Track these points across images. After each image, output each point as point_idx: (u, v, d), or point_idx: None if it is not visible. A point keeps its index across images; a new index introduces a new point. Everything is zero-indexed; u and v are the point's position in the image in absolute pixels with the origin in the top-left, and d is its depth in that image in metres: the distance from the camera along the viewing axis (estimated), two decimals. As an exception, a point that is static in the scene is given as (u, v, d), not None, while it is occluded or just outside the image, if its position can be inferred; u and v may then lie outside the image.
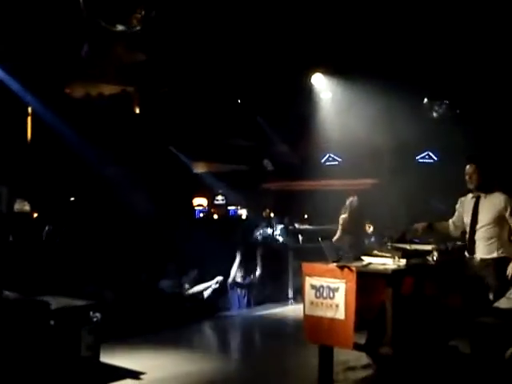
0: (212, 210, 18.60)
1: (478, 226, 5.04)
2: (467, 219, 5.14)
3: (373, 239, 9.36)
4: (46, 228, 8.69)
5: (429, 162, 14.92)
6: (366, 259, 4.92)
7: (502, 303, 4.18)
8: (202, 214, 18.22)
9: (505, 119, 11.47)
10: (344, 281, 4.64)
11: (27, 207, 8.54)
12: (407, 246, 5.22)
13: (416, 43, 9.82)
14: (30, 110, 13.07)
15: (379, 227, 9.00)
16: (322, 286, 4.77)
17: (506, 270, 4.79)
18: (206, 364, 5.69)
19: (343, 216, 8.28)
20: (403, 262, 4.77)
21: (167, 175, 15.30)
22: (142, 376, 5.21)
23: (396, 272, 4.67)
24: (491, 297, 4.62)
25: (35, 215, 10.64)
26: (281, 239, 11.85)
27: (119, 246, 8.74)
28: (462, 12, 8.79)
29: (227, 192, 18.94)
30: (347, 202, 8.35)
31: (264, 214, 13.95)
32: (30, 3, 8.78)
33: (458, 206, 5.37)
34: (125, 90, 14.59)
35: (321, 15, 9.16)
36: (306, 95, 13.31)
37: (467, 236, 5.13)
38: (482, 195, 5.10)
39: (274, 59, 10.94)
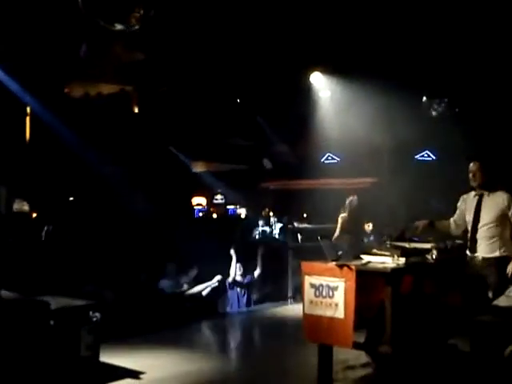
0: (211, 210, 18.62)
1: (480, 225, 5.01)
2: (469, 217, 5.11)
3: (371, 238, 9.37)
4: (45, 228, 8.68)
5: (428, 161, 14.93)
6: (366, 258, 4.92)
7: (502, 301, 4.18)
8: (201, 214, 18.23)
9: (504, 118, 11.48)
10: (343, 280, 4.64)
11: (26, 207, 8.53)
12: (406, 245, 5.21)
13: (415, 42, 9.81)
14: (28, 109, 13.06)
15: (378, 226, 9.01)
16: (322, 285, 4.77)
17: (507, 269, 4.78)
18: (205, 363, 5.69)
19: (343, 215, 8.29)
20: (402, 260, 4.77)
21: (166, 175, 15.30)
22: (141, 376, 5.21)
23: (395, 270, 4.67)
24: (490, 295, 4.62)
25: (34, 215, 10.63)
26: (279, 238, 11.88)
27: (118, 246, 8.74)
28: (460, 11, 8.79)
29: (226, 191, 18.96)
30: (347, 202, 8.36)
31: (263, 213, 13.97)
32: (29, 3, 8.77)
33: (459, 204, 5.33)
34: (123, 89, 14.60)
35: (320, 14, 9.16)
36: (305, 94, 13.31)
37: (469, 234, 5.10)
38: (485, 193, 5.06)
39: (273, 58, 10.94)
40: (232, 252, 9.21)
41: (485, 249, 4.98)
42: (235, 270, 9.12)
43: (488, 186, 5.07)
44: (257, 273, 9.50)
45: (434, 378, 4.86)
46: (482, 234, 5.00)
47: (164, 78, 13.20)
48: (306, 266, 4.98)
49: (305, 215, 13.86)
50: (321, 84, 13.26)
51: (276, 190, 17.35)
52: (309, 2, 8.88)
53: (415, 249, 5.19)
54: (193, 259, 9.05)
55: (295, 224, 11.13)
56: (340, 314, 4.63)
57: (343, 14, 9.22)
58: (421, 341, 5.06)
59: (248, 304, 8.92)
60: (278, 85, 12.63)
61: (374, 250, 4.98)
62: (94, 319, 5.14)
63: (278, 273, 9.55)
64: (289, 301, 8.98)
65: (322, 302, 4.76)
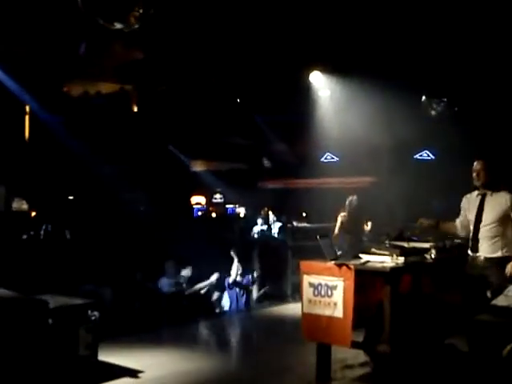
0: (210, 209, 18.62)
1: (482, 225, 4.98)
2: (471, 217, 5.08)
3: (364, 238, 9.34)
4: (44, 227, 8.69)
5: (427, 160, 14.94)
6: (364, 257, 4.92)
7: (500, 301, 4.17)
8: (200, 213, 18.23)
9: (503, 117, 11.48)
10: (342, 279, 4.64)
11: (25, 206, 8.54)
12: (405, 244, 5.21)
13: (414, 41, 9.81)
14: (27, 108, 13.05)
15: (377, 225, 9.00)
16: (320, 284, 4.77)
17: None
18: (204, 362, 5.69)
19: (342, 214, 8.30)
20: (401, 259, 4.78)
21: (165, 173, 15.30)
22: (140, 374, 5.21)
23: (394, 270, 4.67)
24: (489, 294, 4.61)
25: (33, 214, 10.63)
26: (278, 236, 11.87)
27: (116, 245, 8.73)
28: (460, 10, 8.79)
29: (225, 190, 18.96)
30: (347, 202, 8.36)
31: (262, 212, 13.97)
32: (28, 2, 8.76)
33: (462, 204, 5.27)
34: (123, 88, 14.59)
35: (319, 13, 9.15)
36: (305, 93, 13.30)
37: (471, 234, 5.08)
38: (488, 193, 5.02)
39: (272, 57, 10.93)
40: (232, 253, 9.21)
41: (487, 249, 4.95)
42: (236, 271, 9.11)
43: (491, 185, 5.03)
44: (255, 273, 9.50)
45: (432, 377, 4.87)
46: (484, 233, 4.97)
47: (163, 77, 13.20)
48: (304, 265, 4.99)
49: (304, 214, 13.86)
50: (320, 83, 13.25)
51: (275, 189, 17.35)
52: (308, 1, 8.87)
53: (414, 248, 5.19)
54: (191, 258, 9.05)
55: (294, 223, 11.13)
56: (339, 313, 4.64)
57: (343, 13, 9.22)
58: (419, 340, 5.06)
59: (247, 304, 8.91)
60: (278, 84, 12.63)
61: (373, 250, 4.98)
62: (93, 318, 5.14)
63: (277, 272, 9.55)
64: (288, 300, 8.99)
65: (320, 301, 4.76)
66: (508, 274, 4.77)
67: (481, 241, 4.96)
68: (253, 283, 9.39)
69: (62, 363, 4.80)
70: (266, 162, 18.49)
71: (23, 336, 4.51)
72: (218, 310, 8.58)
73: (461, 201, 5.33)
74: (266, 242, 11.15)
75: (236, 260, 9.21)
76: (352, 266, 4.65)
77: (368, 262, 4.86)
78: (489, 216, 4.96)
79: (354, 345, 4.82)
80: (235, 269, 9.13)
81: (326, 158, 16.63)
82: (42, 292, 5.15)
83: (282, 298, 9.05)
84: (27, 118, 13.19)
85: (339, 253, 5.06)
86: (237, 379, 5.24)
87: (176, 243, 9.13)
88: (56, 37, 9.87)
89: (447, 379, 4.79)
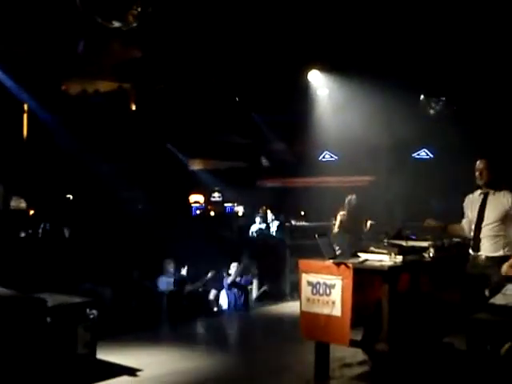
0: (208, 207, 18.61)
1: (483, 224, 4.96)
2: (473, 216, 5.07)
3: (363, 237, 9.32)
4: (42, 225, 8.68)
5: (425, 159, 14.95)
6: (363, 256, 4.92)
7: (498, 299, 4.17)
8: (198, 211, 18.22)
9: (502, 116, 11.48)
10: (340, 277, 4.64)
11: (23, 204, 8.53)
12: (404, 243, 5.22)
13: (413, 40, 9.81)
14: (26, 107, 13.03)
15: (376, 224, 8.99)
16: (319, 283, 4.78)
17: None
18: (203, 361, 5.69)
19: (342, 213, 8.31)
20: (400, 258, 4.78)
21: (163, 172, 15.30)
22: (138, 373, 5.21)
23: (392, 268, 4.67)
24: (487, 293, 4.61)
25: (31, 212, 10.62)
26: (276, 235, 11.88)
27: (114, 243, 8.73)
28: (458, 9, 8.79)
29: (224, 189, 18.96)
30: (346, 201, 8.36)
31: (261, 210, 13.97)
32: (26, 0, 8.75)
33: (465, 204, 5.24)
34: (121, 86, 14.58)
35: (318, 12, 9.15)
36: (303, 92, 13.30)
37: (472, 233, 5.07)
38: (491, 192, 5.00)
39: (271, 56, 10.93)
40: (243, 256, 9.23)
41: (488, 248, 4.94)
42: (236, 272, 9.10)
43: (494, 184, 5.00)
44: (255, 272, 9.50)
45: (430, 375, 4.87)
46: (485, 232, 4.95)
47: (162, 75, 13.18)
48: (303, 263, 4.99)
49: (302, 213, 13.87)
50: (319, 82, 13.25)
51: (274, 188, 17.36)
52: (307, 0, 8.87)
53: (412, 247, 5.19)
54: (190, 256, 9.05)
55: (292, 222, 11.13)
56: (337, 311, 4.64)
57: (341, 12, 9.21)
58: (417, 339, 5.07)
59: (246, 304, 8.89)
60: (276, 82, 12.62)
61: (372, 248, 4.98)
62: (91, 317, 5.13)
63: (275, 271, 9.55)
64: (286, 298, 8.99)
65: (319, 300, 4.77)
66: (503, 273, 4.77)
67: (482, 240, 4.95)
68: (251, 282, 9.39)
69: (60, 361, 4.80)
70: (265, 161, 18.48)
71: (22, 334, 4.51)
72: (216, 309, 8.57)
73: (462, 200, 5.32)
74: (265, 241, 11.16)
75: (238, 263, 9.23)
76: (350, 265, 4.65)
77: (366, 260, 4.86)
78: (491, 215, 4.94)
79: (353, 343, 4.83)
80: (235, 269, 9.12)
81: (324, 157, 16.63)
82: (40, 290, 5.14)
83: (280, 297, 9.06)
84: (25, 116, 13.16)
85: (339, 252, 5.05)
86: (235, 378, 5.24)
87: (174, 242, 9.12)
88: (54, 35, 9.85)
89: (445, 378, 4.80)
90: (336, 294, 4.66)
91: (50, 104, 12.70)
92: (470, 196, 5.21)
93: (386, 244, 5.13)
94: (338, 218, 8.20)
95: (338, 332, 4.67)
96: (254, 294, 9.41)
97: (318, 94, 13.65)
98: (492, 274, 4.78)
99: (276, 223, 12.97)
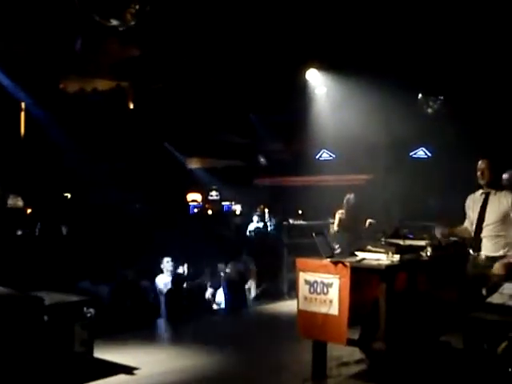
0: (206, 206, 18.61)
1: (484, 224, 4.95)
2: (474, 216, 5.06)
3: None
4: (39, 224, 8.67)
5: (423, 158, 14.97)
6: (360, 255, 4.92)
7: (495, 298, 4.18)
8: (196, 210, 18.22)
9: (500, 115, 11.49)
10: (338, 276, 4.64)
11: (20, 203, 8.52)
12: (401, 242, 5.22)
13: (411, 39, 9.82)
14: (23, 105, 13.02)
15: (375, 223, 8.99)
16: (316, 282, 4.78)
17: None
18: (200, 359, 5.69)
19: (340, 211, 8.32)
20: (397, 257, 4.78)
21: (161, 171, 15.30)
22: (135, 371, 5.21)
23: (390, 267, 4.67)
24: (484, 292, 4.62)
25: (29, 211, 10.61)
26: (270, 231, 11.89)
27: (111, 242, 8.73)
28: (457, 8, 8.79)
29: (221, 188, 18.97)
30: (344, 200, 8.37)
31: (258, 209, 13.98)
32: (23, -2, 8.74)
33: (467, 204, 5.23)
34: (119, 85, 14.57)
35: (315, 11, 9.15)
36: (301, 91, 13.30)
37: (473, 233, 5.05)
38: (492, 192, 5.00)
39: (268, 54, 10.92)
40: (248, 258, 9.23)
41: (489, 248, 4.93)
42: (233, 270, 9.10)
43: (495, 184, 5.00)
44: (253, 271, 9.51)
45: (427, 374, 4.88)
46: (486, 232, 4.94)
47: (160, 74, 13.18)
48: (300, 262, 4.99)
49: (300, 212, 13.87)
50: (316, 81, 13.25)
51: (271, 187, 17.37)
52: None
53: (410, 246, 5.20)
54: (187, 255, 9.05)
55: (290, 220, 11.13)
56: (334, 310, 4.64)
57: (339, 11, 9.21)
58: (415, 337, 5.08)
59: (243, 302, 8.90)
60: (274, 81, 12.62)
61: (369, 247, 4.98)
62: (88, 315, 5.13)
63: (273, 269, 9.56)
64: (284, 297, 8.99)
65: (316, 299, 4.77)
66: (495, 271, 4.78)
67: (483, 240, 4.94)
68: (249, 281, 9.39)
69: (57, 360, 4.79)
70: (262, 160, 18.49)
71: (19, 333, 4.50)
72: (214, 307, 8.57)
73: (460, 199, 5.32)
74: (262, 240, 11.16)
75: (237, 260, 9.23)
76: (348, 264, 4.65)
77: (364, 259, 4.86)
78: (491, 215, 4.93)
79: (350, 342, 4.83)
80: (233, 266, 9.13)
81: (321, 156, 16.64)
82: (37, 289, 5.14)
83: (278, 296, 9.06)
84: (23, 114, 13.15)
85: (338, 251, 5.06)
86: (232, 376, 5.24)
87: (172, 240, 9.13)
88: (52, 33, 9.84)
89: (442, 376, 4.81)
90: (333, 293, 4.66)
91: (48, 102, 12.69)
92: (472, 196, 5.19)
93: (383, 243, 5.13)
94: (337, 216, 8.21)
95: (335, 331, 4.67)
96: (252, 292, 9.42)
97: (316, 93, 13.65)
98: (491, 274, 4.77)
99: (273, 221, 12.99)
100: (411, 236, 5.58)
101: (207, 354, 5.86)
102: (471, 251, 5.03)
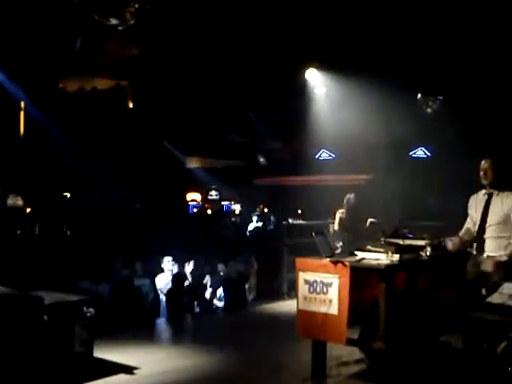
0: (206, 205, 18.62)
1: (487, 224, 4.93)
2: (477, 216, 5.03)
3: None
4: (38, 224, 8.67)
5: (423, 158, 14.98)
6: (360, 254, 4.92)
7: (495, 298, 4.18)
8: (195, 209, 18.23)
9: (500, 115, 11.49)
10: (337, 276, 4.64)
11: (20, 202, 8.51)
12: (400, 242, 5.22)
13: (410, 39, 9.82)
14: (22, 104, 13.01)
15: (376, 222, 8.99)
16: (316, 281, 4.78)
17: None
18: (200, 359, 5.69)
19: (341, 211, 8.33)
20: (396, 257, 4.78)
21: (160, 170, 15.29)
22: (135, 371, 5.21)
23: (389, 267, 4.67)
24: (484, 292, 4.62)
25: (28, 210, 10.59)
26: (269, 227, 11.90)
27: (111, 242, 8.73)
28: (456, 8, 8.79)
29: (221, 187, 18.97)
30: (344, 200, 8.37)
31: (258, 209, 13.99)
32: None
33: (470, 204, 5.19)
34: (118, 84, 14.56)
35: (315, 10, 9.15)
36: (301, 90, 13.30)
37: (475, 233, 5.03)
38: (495, 193, 4.97)
39: (268, 54, 10.92)
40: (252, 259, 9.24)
41: (492, 248, 4.93)
42: (233, 269, 9.11)
43: (498, 184, 4.96)
44: (253, 269, 9.52)
45: (427, 374, 4.88)
46: (489, 233, 4.92)
47: (159, 73, 13.17)
48: (300, 262, 4.99)
49: (299, 211, 13.88)
50: (316, 80, 13.25)
51: (271, 186, 17.37)
52: (304, -1, 8.87)
53: (409, 245, 5.19)
54: (187, 254, 9.06)
55: (290, 220, 11.14)
56: (334, 310, 4.64)
57: (339, 11, 9.21)
58: (414, 337, 5.08)
59: (243, 302, 8.90)
60: (273, 81, 12.62)
61: (369, 247, 4.98)
62: (88, 315, 5.13)
63: (273, 269, 9.56)
64: (284, 297, 8.99)
65: (316, 299, 4.77)
66: (487, 268, 4.79)
67: (486, 240, 4.93)
68: (249, 280, 9.40)
69: (57, 360, 4.79)
70: (262, 160, 18.49)
71: (18, 332, 4.50)
72: (213, 307, 8.58)
73: (459, 199, 5.30)
74: (262, 240, 11.16)
75: (237, 258, 9.23)
76: (347, 263, 4.65)
77: (363, 259, 4.86)
78: (494, 216, 4.91)
79: (350, 342, 4.83)
80: (232, 265, 9.14)
81: (321, 156, 16.65)
82: (37, 288, 5.13)
83: (277, 295, 9.05)
84: (22, 114, 13.14)
85: (339, 250, 5.05)
86: (232, 376, 5.24)
87: (172, 240, 9.13)
88: (52, 33, 9.83)
89: (442, 376, 4.81)
90: (333, 293, 4.66)
91: (48, 101, 12.69)
92: (475, 196, 5.16)
93: (382, 242, 5.13)
94: (337, 215, 8.22)
95: (334, 330, 4.67)
96: (252, 292, 9.42)
97: (316, 93, 13.65)
98: (492, 274, 4.77)
99: (273, 221, 12.99)
100: (411, 236, 5.57)
101: (207, 353, 5.86)
102: (474, 251, 5.02)
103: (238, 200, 18.56)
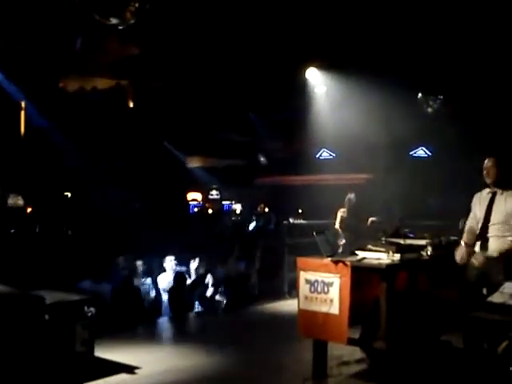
0: (206, 205, 18.63)
1: (490, 223, 4.93)
2: (480, 215, 5.01)
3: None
4: (38, 224, 8.67)
5: (423, 157, 14.99)
6: (361, 254, 4.93)
7: (496, 298, 4.18)
8: (196, 209, 18.24)
9: (500, 114, 11.50)
10: (338, 275, 4.65)
11: (21, 202, 8.51)
12: (401, 241, 5.22)
13: (411, 38, 9.82)
14: (23, 104, 13.01)
15: (377, 221, 9.00)
16: (317, 281, 4.78)
17: None
18: (201, 358, 5.69)
19: (342, 210, 8.33)
20: (397, 256, 4.78)
21: (161, 170, 15.30)
22: (136, 370, 5.21)
23: (390, 267, 4.67)
24: (485, 291, 4.62)
25: (29, 210, 10.60)
26: (274, 232, 11.90)
27: (111, 241, 8.72)
28: (457, 7, 8.79)
29: (222, 187, 18.98)
30: (346, 199, 8.38)
31: (258, 208, 13.99)
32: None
33: (473, 202, 5.16)
34: (119, 83, 14.56)
35: (315, 10, 9.15)
36: (301, 90, 13.30)
37: (478, 232, 5.01)
38: (499, 191, 4.95)
39: (268, 53, 10.92)
40: (235, 248, 9.21)
41: (495, 247, 4.92)
42: (232, 266, 9.11)
43: (502, 183, 4.94)
44: (255, 268, 9.52)
45: (428, 373, 4.89)
46: (492, 232, 4.91)
47: (159, 72, 13.17)
48: (301, 261, 4.99)
49: (300, 211, 13.89)
50: (316, 80, 13.25)
51: (271, 186, 17.37)
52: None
53: (410, 245, 5.20)
54: (187, 253, 9.06)
55: (290, 220, 11.14)
56: (335, 309, 4.65)
57: (340, 10, 9.21)
58: (415, 337, 5.08)
59: (244, 301, 8.90)
60: (274, 80, 12.62)
61: (370, 246, 4.98)
62: (89, 314, 5.13)
63: (273, 268, 9.56)
64: (285, 296, 9.00)
65: (317, 298, 4.77)
66: (476, 262, 4.80)
67: (490, 239, 4.92)
68: (250, 279, 9.40)
69: (58, 359, 4.79)
70: (262, 159, 18.49)
71: (19, 332, 4.50)
72: (214, 306, 8.57)
73: (460, 198, 5.30)
74: (263, 239, 11.15)
75: (234, 255, 9.22)
76: (348, 263, 4.66)
77: (364, 258, 4.86)
78: (497, 215, 4.88)
79: (351, 341, 4.83)
80: (232, 263, 9.14)
81: (321, 155, 16.65)
82: (38, 288, 5.13)
83: (278, 295, 9.05)
84: (23, 113, 13.14)
85: (341, 249, 5.06)
86: (233, 376, 5.24)
87: (173, 239, 9.14)
88: (52, 32, 9.83)
89: (443, 376, 4.81)
90: (334, 292, 4.66)
91: (48, 101, 12.69)
92: (479, 194, 5.13)
93: (383, 242, 5.13)
94: (339, 215, 8.23)
95: (335, 330, 4.68)
96: (254, 291, 9.42)
97: (316, 92, 13.65)
98: (494, 273, 4.75)
99: (273, 221, 12.99)
100: (412, 235, 5.58)
101: (208, 353, 5.87)
102: (476, 250, 5.00)
103: (238, 199, 18.56)
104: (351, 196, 8.17)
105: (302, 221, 11.35)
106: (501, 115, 11.42)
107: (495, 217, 4.90)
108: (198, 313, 8.29)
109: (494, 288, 4.37)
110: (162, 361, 5.59)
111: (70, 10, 6.89)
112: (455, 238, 5.54)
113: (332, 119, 13.23)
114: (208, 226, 12.79)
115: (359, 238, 7.65)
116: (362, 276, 4.72)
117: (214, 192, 19.60)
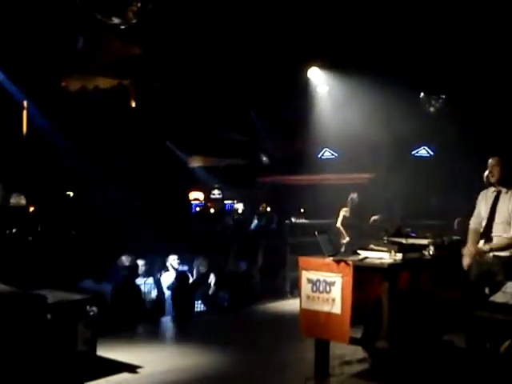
0: (208, 204, 18.62)
1: (494, 222, 4.92)
2: (485, 214, 5.00)
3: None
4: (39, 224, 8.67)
5: (425, 157, 14.97)
6: (363, 253, 4.92)
7: (498, 297, 4.18)
8: (198, 208, 18.24)
9: (502, 114, 11.48)
10: (340, 275, 4.64)
11: (23, 201, 8.51)
12: (403, 241, 5.22)
13: (413, 38, 9.81)
14: (25, 103, 13.02)
15: (379, 219, 8.99)
16: (319, 280, 4.78)
17: None
18: (202, 358, 5.69)
19: (345, 209, 8.33)
20: (399, 256, 4.78)
21: (163, 169, 15.30)
22: (139, 370, 5.21)
23: (392, 266, 4.67)
24: (487, 291, 4.61)
25: (31, 209, 10.60)
26: (275, 232, 11.90)
27: (113, 241, 8.73)
28: (458, 7, 8.78)
29: (224, 186, 18.98)
30: (348, 199, 8.37)
31: (260, 207, 13.99)
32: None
33: (478, 200, 5.15)
34: (121, 83, 14.56)
35: (317, 9, 9.14)
36: (303, 89, 13.30)
37: (482, 230, 5.01)
38: (503, 190, 4.95)
39: (270, 53, 10.92)
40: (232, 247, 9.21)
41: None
42: (232, 264, 9.12)
43: (506, 182, 4.93)
44: (257, 267, 9.53)
45: (430, 373, 4.88)
46: (496, 231, 4.90)
47: (161, 72, 13.18)
48: (303, 261, 4.99)
49: (302, 210, 13.88)
50: (318, 79, 13.24)
51: (273, 185, 17.37)
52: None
53: (412, 244, 5.19)
54: (188, 252, 9.07)
55: (292, 219, 11.14)
56: (337, 309, 4.64)
57: (341, 10, 9.21)
58: (417, 336, 5.08)
59: (245, 300, 8.90)
60: (276, 80, 12.62)
61: (372, 246, 4.98)
62: (91, 313, 5.13)
63: (275, 268, 9.56)
64: (287, 295, 9.00)
65: (319, 298, 4.77)
66: (467, 256, 4.80)
67: (494, 239, 4.90)
68: (252, 278, 9.40)
69: (60, 359, 4.80)
70: (264, 159, 18.49)
71: (22, 331, 4.51)
72: (217, 305, 8.58)
73: (461, 198, 5.29)
74: (265, 238, 11.15)
75: (233, 254, 9.22)
76: (350, 262, 4.65)
77: (366, 258, 4.86)
78: (501, 214, 4.88)
79: (353, 341, 4.83)
80: (232, 262, 9.14)
81: (323, 155, 16.64)
82: (40, 287, 5.14)
83: (280, 294, 9.05)
84: (25, 113, 13.15)
85: (343, 249, 5.06)
86: (235, 375, 5.24)
87: (176, 238, 9.14)
88: (54, 32, 9.84)
89: (445, 375, 4.81)
90: (336, 292, 4.66)
91: (50, 101, 12.69)
92: (484, 192, 5.12)
93: (385, 241, 5.13)
94: (341, 214, 8.24)
95: (337, 329, 4.67)
96: (256, 290, 9.42)
97: (318, 91, 13.65)
98: (497, 273, 4.74)
99: (275, 220, 12.98)
100: (414, 234, 5.57)
101: (209, 352, 5.87)
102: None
103: (240, 199, 18.56)
104: (354, 196, 8.17)
105: (304, 220, 11.34)
106: (503, 114, 11.40)
107: (499, 216, 4.89)
108: (200, 312, 8.29)
109: (497, 288, 4.36)
110: (163, 360, 5.59)
111: (72, 10, 6.89)
112: (457, 237, 5.54)
113: (334, 119, 13.22)
114: (210, 225, 12.79)
115: (361, 237, 7.65)
116: (364, 275, 4.72)
117: (215, 191, 19.59)
